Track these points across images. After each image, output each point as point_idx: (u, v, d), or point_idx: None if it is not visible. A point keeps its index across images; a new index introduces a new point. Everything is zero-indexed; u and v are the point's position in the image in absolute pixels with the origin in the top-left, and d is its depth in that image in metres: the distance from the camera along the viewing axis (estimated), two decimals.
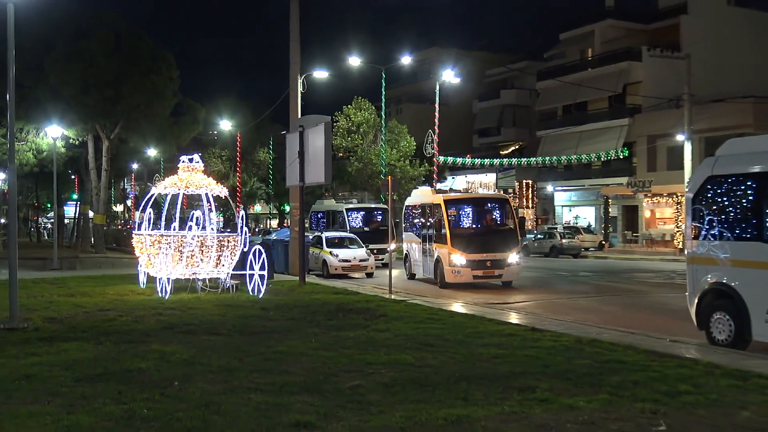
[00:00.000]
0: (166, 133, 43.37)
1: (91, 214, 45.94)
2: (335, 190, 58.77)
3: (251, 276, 19.67)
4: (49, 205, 70.92)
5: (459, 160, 55.60)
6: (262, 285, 19.16)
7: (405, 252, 27.90)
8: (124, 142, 44.55)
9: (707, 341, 11.97)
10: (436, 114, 41.31)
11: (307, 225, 34.07)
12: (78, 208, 57.41)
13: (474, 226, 25.53)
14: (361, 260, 28.21)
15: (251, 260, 19.74)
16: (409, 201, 28.65)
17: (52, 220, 51.99)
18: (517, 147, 64.25)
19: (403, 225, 28.23)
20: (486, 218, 25.35)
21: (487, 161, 57.19)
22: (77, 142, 42.09)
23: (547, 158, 55.04)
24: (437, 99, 41.43)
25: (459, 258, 22.73)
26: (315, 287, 21.69)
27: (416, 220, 26.66)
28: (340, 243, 29.41)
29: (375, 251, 31.14)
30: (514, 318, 15.26)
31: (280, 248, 28.47)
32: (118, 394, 8.23)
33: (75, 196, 60.71)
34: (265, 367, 9.75)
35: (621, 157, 50.86)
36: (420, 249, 25.53)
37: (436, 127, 41.47)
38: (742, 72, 50.11)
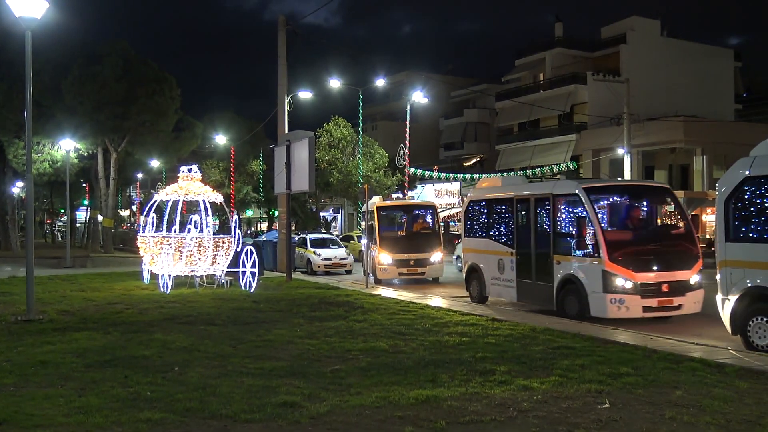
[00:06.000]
0: (168, 147, 43.08)
1: (100, 218, 45.39)
2: (318, 197, 58.50)
3: (243, 273, 19.52)
4: (62, 210, 70.04)
5: (427, 172, 55.69)
6: (253, 281, 19.08)
7: (470, 265, 17.73)
8: (130, 155, 44.18)
9: (744, 346, 10.34)
10: (407, 130, 41.26)
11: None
12: (88, 213, 56.67)
13: (634, 230, 14.42)
14: (341, 259, 28.15)
15: (243, 259, 19.61)
16: (477, 194, 18.10)
17: (66, 224, 51.35)
18: (478, 159, 64.21)
19: (465, 228, 18.31)
20: (647, 218, 14.98)
21: (452, 176, 57.29)
22: (88, 154, 41.74)
23: (506, 171, 55.29)
24: (408, 117, 41.38)
25: (623, 281, 12.90)
26: (300, 283, 21.57)
27: (497, 222, 16.69)
28: (322, 244, 29.34)
29: (412, 262, 22.62)
30: (476, 309, 15.27)
31: (269, 248, 28.32)
32: (125, 378, 8.14)
33: (86, 202, 59.95)
34: (256, 354, 9.69)
35: (569, 168, 51.21)
36: (510, 262, 15.81)
37: (407, 142, 41.42)
38: (674, 94, 50.82)
